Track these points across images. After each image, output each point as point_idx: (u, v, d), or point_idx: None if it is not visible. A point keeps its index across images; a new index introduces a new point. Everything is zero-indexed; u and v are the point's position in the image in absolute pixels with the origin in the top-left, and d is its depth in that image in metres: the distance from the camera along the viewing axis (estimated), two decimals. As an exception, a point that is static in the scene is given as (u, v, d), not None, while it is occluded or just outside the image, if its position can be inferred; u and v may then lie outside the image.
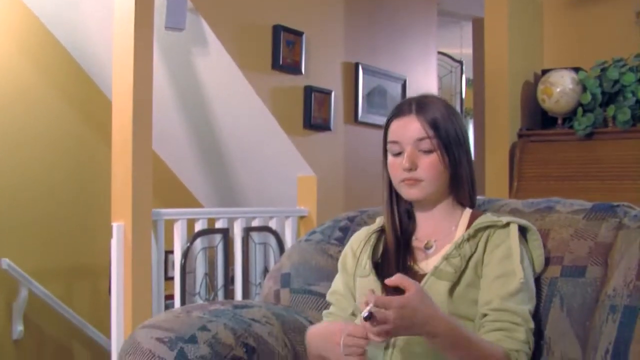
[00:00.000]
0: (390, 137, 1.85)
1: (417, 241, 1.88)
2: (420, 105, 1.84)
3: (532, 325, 1.71)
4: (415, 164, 1.80)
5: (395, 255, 1.85)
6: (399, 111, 1.86)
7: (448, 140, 1.80)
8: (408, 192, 1.83)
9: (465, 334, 1.60)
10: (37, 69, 4.28)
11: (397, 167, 1.83)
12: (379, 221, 1.98)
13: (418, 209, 1.90)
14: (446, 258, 1.77)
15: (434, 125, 1.80)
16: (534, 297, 1.77)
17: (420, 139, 1.80)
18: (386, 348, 1.74)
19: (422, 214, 1.89)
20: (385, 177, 1.90)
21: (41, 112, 4.32)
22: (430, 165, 1.80)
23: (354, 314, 1.92)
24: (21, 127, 4.21)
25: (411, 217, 1.91)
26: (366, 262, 1.88)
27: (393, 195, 1.89)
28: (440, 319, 1.56)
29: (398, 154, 1.83)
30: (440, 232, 1.85)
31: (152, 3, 3.43)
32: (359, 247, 1.95)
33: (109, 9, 3.47)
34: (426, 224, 1.88)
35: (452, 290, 1.73)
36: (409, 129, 1.81)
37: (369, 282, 1.84)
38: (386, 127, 1.88)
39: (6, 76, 4.12)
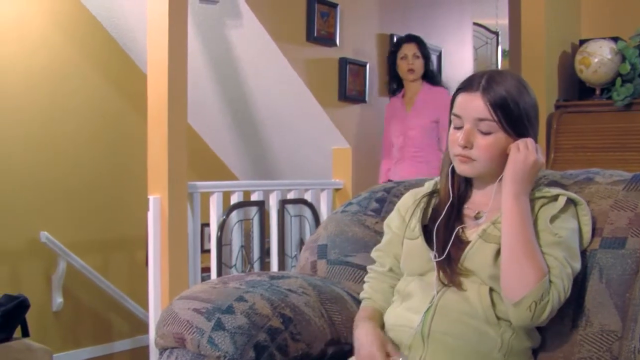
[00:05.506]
0: (454, 109, 1.83)
1: (469, 209, 1.87)
2: (489, 82, 1.79)
3: (568, 270, 1.70)
4: (470, 142, 1.78)
5: (445, 220, 1.84)
6: (467, 84, 1.83)
7: (511, 122, 1.77)
8: (460, 168, 1.82)
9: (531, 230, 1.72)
10: (73, 44, 4.30)
11: (454, 140, 1.81)
12: (428, 185, 1.98)
13: (474, 180, 1.89)
14: (494, 222, 1.77)
15: (499, 106, 1.76)
16: (577, 256, 1.75)
17: (481, 119, 1.77)
18: (427, 310, 1.75)
19: (477, 186, 1.88)
20: (448, 143, 1.88)
21: (77, 86, 4.35)
22: (485, 147, 1.77)
23: (391, 270, 1.95)
24: (58, 101, 4.24)
25: (468, 184, 1.90)
26: (415, 225, 1.89)
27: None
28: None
29: (458, 128, 1.81)
30: (493, 205, 1.82)
31: (186, -24, 3.43)
32: (407, 211, 1.95)
33: (144, -17, 3.47)
34: (480, 195, 1.87)
35: (498, 254, 1.73)
36: (472, 106, 1.78)
37: (417, 245, 1.85)
38: (454, 97, 1.86)
39: (43, 52, 4.15)
